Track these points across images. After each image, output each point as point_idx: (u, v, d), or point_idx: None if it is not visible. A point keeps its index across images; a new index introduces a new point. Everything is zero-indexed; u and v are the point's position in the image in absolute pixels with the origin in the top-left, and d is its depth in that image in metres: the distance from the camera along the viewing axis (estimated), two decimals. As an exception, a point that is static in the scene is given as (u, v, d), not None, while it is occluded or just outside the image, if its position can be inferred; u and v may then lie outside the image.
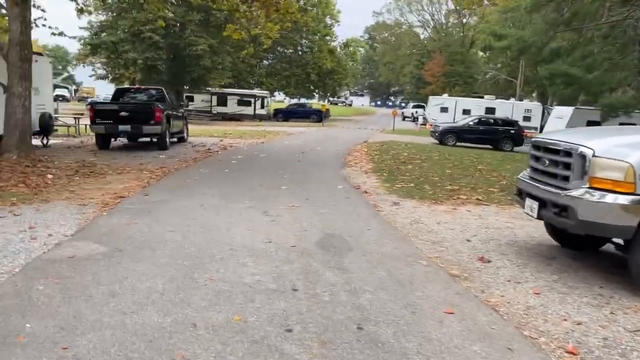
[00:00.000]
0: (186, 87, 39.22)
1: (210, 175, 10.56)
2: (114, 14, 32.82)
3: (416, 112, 50.89)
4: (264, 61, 53.53)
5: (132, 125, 14.26)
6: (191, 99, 41.78)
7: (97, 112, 14.37)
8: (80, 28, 33.72)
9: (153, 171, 10.98)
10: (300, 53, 53.14)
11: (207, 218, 6.66)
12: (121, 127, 14.26)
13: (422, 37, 77.13)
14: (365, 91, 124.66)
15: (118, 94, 16.35)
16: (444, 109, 36.71)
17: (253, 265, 4.84)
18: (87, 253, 5.02)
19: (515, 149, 23.46)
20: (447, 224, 6.99)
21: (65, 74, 23.56)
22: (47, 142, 15.46)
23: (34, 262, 4.72)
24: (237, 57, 41.56)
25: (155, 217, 6.59)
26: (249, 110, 41.29)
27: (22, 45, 12.02)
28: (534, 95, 50.24)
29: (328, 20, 53.83)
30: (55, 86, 67.07)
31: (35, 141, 15.33)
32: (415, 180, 10.71)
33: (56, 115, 21.03)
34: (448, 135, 23.78)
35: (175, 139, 17.73)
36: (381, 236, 6.17)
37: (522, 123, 28.79)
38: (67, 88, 68.99)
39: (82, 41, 32.77)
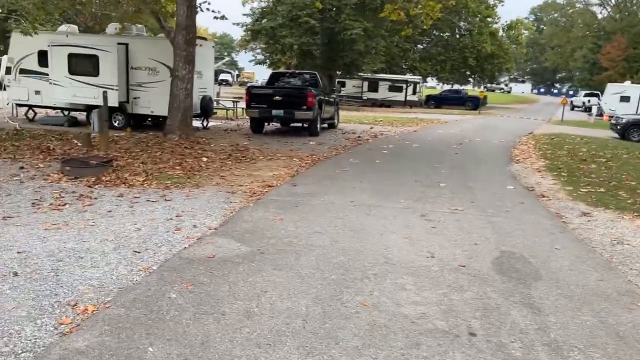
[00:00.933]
0: (338, 73, 39.28)
1: (361, 166, 9.80)
2: (274, 0, 33.80)
3: (589, 101, 45.18)
4: (418, 45, 51.72)
5: (285, 110, 14.10)
6: (343, 84, 41.81)
7: (253, 96, 14.47)
8: (243, 15, 35.34)
9: (303, 158, 10.56)
10: (457, 36, 50.31)
11: (358, 218, 5.87)
12: (274, 112, 14.18)
13: (599, 16, 68.47)
14: (526, 77, 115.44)
15: (273, 78, 16.42)
16: (625, 98, 31.84)
17: (414, 288, 3.91)
18: (228, 254, 4.50)
19: None
20: (664, 249, 5.35)
21: (227, 58, 24.67)
22: (207, 124, 16.05)
23: (172, 260, 4.32)
24: (391, 41, 40.59)
25: (302, 213, 5.96)
26: (400, 97, 40.08)
27: (187, 29, 12.37)
28: None
29: (490, 0, 50.07)
30: (220, 71, 72.33)
31: (196, 123, 16.04)
32: (604, 184, 8.82)
33: (216, 99, 22.04)
34: (633, 129, 20.28)
35: (325, 125, 17.39)
36: (576, 260, 4.82)
37: None
38: (229, 73, 73.78)
39: (244, 27, 34.29)
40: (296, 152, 11.44)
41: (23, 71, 14.91)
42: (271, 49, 35.89)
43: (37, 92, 14.80)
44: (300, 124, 15.33)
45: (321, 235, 5.13)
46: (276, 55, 36.10)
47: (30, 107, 15.57)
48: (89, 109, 14.59)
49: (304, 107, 14.03)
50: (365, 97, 40.59)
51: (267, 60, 38.04)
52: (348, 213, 6.07)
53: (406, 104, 39.82)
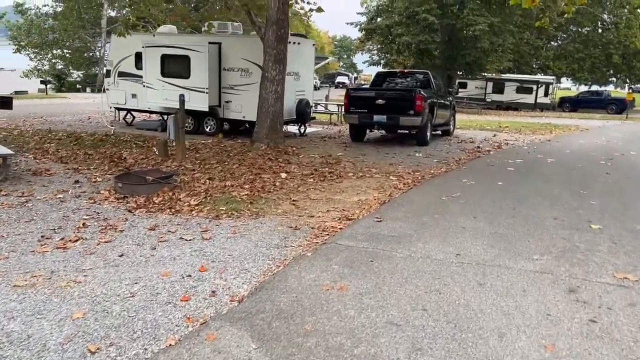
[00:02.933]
0: (459, 73, 36.15)
1: (477, 191, 7.53)
2: (391, -4, 31.74)
3: None
4: (552, 42, 46.47)
5: (389, 115, 12.10)
6: (464, 85, 38.52)
7: (352, 99, 12.64)
8: (358, 14, 33.73)
9: (402, 177, 8.52)
10: (600, 31, 44.34)
11: (463, 293, 3.77)
12: (376, 118, 12.24)
13: None
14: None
15: (380, 79, 14.42)
16: None
17: None
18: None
19: None
20: None
21: (330, 59, 22.74)
22: (305, 130, 14.56)
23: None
24: (520, 37, 36.54)
25: (376, 278, 4.00)
26: (529, 99, 35.86)
27: (279, 23, 10.89)
28: None
29: (643, -11, 43.40)
30: (338, 73, 71.72)
31: (293, 129, 14.62)
32: None
33: (324, 102, 20.59)
34: None
35: (438, 132, 15.10)
36: None
37: None
38: (347, 75, 72.76)
39: (357, 27, 32.62)
40: (396, 167, 9.43)
41: (121, 74, 14.54)
42: (386, 48, 33.87)
43: (134, 96, 14.32)
44: (407, 132, 13.24)
45: (396, 331, 3.14)
46: (392, 55, 33.99)
47: (129, 111, 15.20)
48: (181, 113, 13.81)
49: (411, 112, 11.93)
50: (489, 100, 36.97)
51: (382, 61, 36.05)
52: (449, 280, 3.99)
53: (536, 107, 35.57)
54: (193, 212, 5.99)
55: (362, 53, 53.00)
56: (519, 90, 36.63)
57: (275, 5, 10.80)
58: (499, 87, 37.39)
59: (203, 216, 5.81)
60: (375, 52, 38.38)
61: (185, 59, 12.95)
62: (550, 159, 11.16)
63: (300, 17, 59.78)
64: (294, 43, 13.46)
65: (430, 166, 9.79)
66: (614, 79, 50.67)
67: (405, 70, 14.82)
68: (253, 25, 11.89)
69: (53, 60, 39.91)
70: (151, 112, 14.87)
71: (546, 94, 36.44)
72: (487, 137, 15.54)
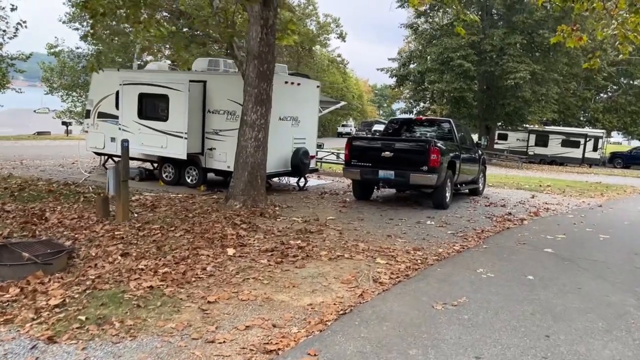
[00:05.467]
0: (499, 124, 33.62)
1: (493, 293, 5.13)
2: (425, 42, 29.97)
3: None
4: (601, 94, 43.42)
5: (397, 171, 9.86)
6: (504, 137, 35.91)
7: (354, 149, 10.46)
8: (389, 59, 32.06)
9: (395, 258, 6.21)
10: (654, 82, 41.13)
11: None
12: (382, 173, 10.00)
13: None
14: None
15: (393, 128, 12.25)
16: None
17: None
18: None
19: None
20: None
21: (342, 103, 20.68)
22: (305, 184, 12.45)
23: None
24: (566, 88, 33.89)
25: None
26: (576, 153, 32.83)
27: (261, 57, 8.99)
28: None
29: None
30: (375, 121, 70.32)
31: (295, 181, 12.56)
32: None
33: (322, 150, 18.43)
34: None
35: (466, 190, 12.71)
36: None
37: None
38: (384, 124, 71.06)
39: (389, 73, 30.84)
40: (393, 242, 7.12)
41: (101, 115, 12.91)
42: (418, 96, 31.88)
43: (113, 139, 12.60)
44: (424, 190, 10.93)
45: None
46: (425, 102, 31.96)
47: (110, 156, 13.49)
48: (162, 160, 11.99)
49: (424, 168, 9.66)
50: (531, 153, 34.12)
51: (415, 109, 33.99)
52: None
53: (584, 162, 32.47)
54: (25, 326, 3.83)
55: (398, 101, 51.33)
56: (565, 143, 33.69)
57: (256, 35, 8.93)
58: (543, 140, 34.57)
59: (36, 333, 3.67)
60: (408, 99, 36.42)
61: (164, 99, 11.21)
62: (603, 235, 8.57)
63: (337, 64, 58.54)
64: (292, 83, 11.58)
65: (440, 241, 7.43)
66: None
67: (423, 118, 12.58)
68: (235, 60, 10.07)
69: (84, 102, 39.81)
70: (130, 159, 13.10)
71: (595, 149, 33.33)
72: (523, 198, 13.00)
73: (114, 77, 12.36)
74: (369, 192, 11.18)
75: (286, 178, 13.10)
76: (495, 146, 34.82)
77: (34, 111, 64.42)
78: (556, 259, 6.71)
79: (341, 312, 4.36)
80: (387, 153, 10.00)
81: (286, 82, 11.35)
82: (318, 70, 51.61)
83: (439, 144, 9.89)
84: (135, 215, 7.94)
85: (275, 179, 12.91)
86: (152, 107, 11.43)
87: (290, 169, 11.59)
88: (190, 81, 10.94)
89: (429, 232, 8.03)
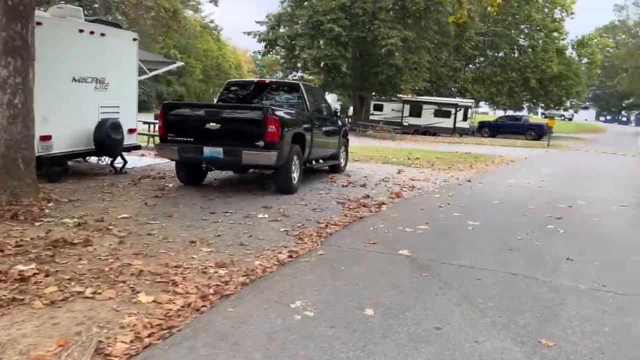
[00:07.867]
0: (373, 94, 32.69)
1: (333, 321, 3.09)
2: (294, 4, 27.72)
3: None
4: (470, 65, 44.58)
5: (226, 147, 7.57)
6: (380, 107, 35.18)
7: (170, 120, 7.96)
8: (257, 22, 29.45)
9: (174, 286, 3.97)
10: (516, 54, 42.91)
11: None
12: (207, 151, 7.65)
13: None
14: (587, 103, 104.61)
15: (231, 93, 9.87)
16: None
17: None
18: None
19: None
20: None
21: (179, 63, 17.39)
22: (124, 165, 9.73)
23: None
24: (437, 57, 33.76)
25: None
26: (447, 123, 32.94)
27: (9, -14, 6.12)
28: None
29: (557, 13, 42.41)
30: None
31: (116, 161, 9.78)
32: None
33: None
34: None
35: (326, 167, 10.84)
36: None
37: None
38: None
39: (256, 37, 28.23)
40: (190, 256, 4.84)
41: None
42: (290, 63, 29.75)
43: None
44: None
45: None
46: (296, 71, 29.94)
47: None
48: None
49: (260, 144, 7.47)
50: (406, 123, 33.74)
51: (287, 78, 31.87)
52: None
53: (455, 131, 32.71)
54: None
55: (277, 71, 48.86)
56: (437, 113, 33.69)
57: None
58: (416, 111, 34.31)
59: None
60: (282, 67, 34.21)
61: None
62: (472, 222, 7.02)
63: (210, 30, 54.19)
64: (92, 33, 8.73)
65: (264, 245, 5.32)
66: (530, 104, 49.56)
67: (267, 81, 10.36)
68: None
69: None
70: None
71: (465, 118, 33.72)
72: (388, 174, 11.43)
73: None
74: (199, 174, 8.78)
75: (105, 158, 10.20)
76: (371, 117, 33.98)
77: None
78: (412, 268, 4.88)
79: None
80: (213, 124, 7.64)
81: (81, 31, 8.48)
82: (189, 37, 47.42)
83: (278, 113, 7.73)
84: None
85: (82, 160, 10.06)
86: None
87: (94, 147, 8.83)
88: None
89: (254, 232, 5.88)
